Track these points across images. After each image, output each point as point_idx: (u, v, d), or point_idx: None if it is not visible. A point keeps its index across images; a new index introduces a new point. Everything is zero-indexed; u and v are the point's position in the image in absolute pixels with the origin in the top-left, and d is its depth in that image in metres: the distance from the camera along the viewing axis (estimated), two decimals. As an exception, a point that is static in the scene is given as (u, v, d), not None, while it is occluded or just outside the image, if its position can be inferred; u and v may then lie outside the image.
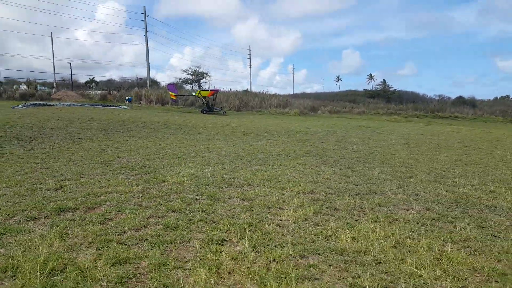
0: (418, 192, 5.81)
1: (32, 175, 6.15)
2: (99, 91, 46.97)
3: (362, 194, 5.52)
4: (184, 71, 72.98)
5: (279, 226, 4.06)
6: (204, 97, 31.32)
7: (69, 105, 30.54)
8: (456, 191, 5.93)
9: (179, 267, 3.02)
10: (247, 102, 42.59)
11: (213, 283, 2.75)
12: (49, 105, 28.94)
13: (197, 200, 5.00)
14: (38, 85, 47.54)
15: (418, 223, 4.28)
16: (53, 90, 49.17)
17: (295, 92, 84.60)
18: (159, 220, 4.18)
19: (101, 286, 2.70)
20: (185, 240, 3.60)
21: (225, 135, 13.84)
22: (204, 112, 29.72)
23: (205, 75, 73.32)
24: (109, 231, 3.76)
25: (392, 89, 78.20)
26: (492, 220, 4.46)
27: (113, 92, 45.62)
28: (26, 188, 5.31)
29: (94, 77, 68.82)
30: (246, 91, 60.97)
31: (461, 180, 6.78)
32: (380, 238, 3.72)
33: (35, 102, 30.07)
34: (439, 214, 4.68)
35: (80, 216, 4.22)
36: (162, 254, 3.26)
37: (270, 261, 3.15)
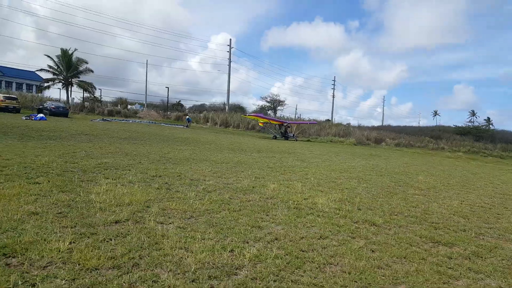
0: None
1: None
2: (175, 113, 52.21)
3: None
4: (262, 98, 76.89)
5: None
6: (279, 125, 33.91)
7: (139, 122, 34.85)
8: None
9: None
10: (307, 129, 42.44)
11: None
12: (122, 121, 33.50)
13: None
14: (129, 104, 55.16)
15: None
16: (143, 109, 56.55)
17: (390, 124, 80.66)
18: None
19: None
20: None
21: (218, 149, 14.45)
22: (274, 137, 32.07)
23: (281, 102, 76.31)
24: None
25: (484, 127, 69.49)
26: None
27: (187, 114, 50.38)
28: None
29: (180, 101, 76.77)
30: (328, 120, 62.15)
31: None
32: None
33: (105, 118, 35.26)
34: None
35: None
36: None
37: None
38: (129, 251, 3.25)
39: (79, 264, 2.91)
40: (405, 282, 3.15)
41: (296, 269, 3.22)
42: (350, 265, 3.40)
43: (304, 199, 6.17)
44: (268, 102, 74.71)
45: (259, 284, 2.87)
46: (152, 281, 2.75)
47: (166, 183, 6.55)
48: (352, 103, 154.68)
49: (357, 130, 45.15)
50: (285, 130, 33.22)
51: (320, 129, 42.74)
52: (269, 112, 69.02)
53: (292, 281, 2.97)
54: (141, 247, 3.38)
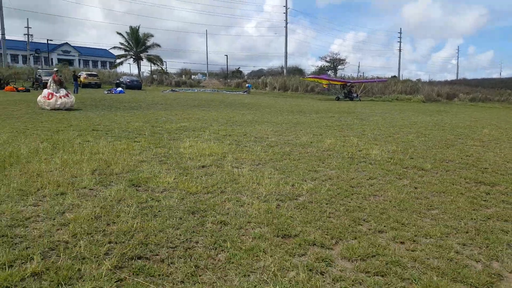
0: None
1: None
2: (235, 80, 53.73)
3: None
4: (321, 58, 74.83)
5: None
6: (342, 86, 33.19)
7: (204, 90, 36.93)
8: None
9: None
10: (371, 89, 40.86)
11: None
12: (188, 90, 35.82)
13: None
14: (192, 74, 58.02)
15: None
16: (205, 78, 59.22)
17: (465, 78, 73.25)
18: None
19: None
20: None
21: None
22: (337, 99, 31.37)
23: (342, 61, 73.72)
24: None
25: None
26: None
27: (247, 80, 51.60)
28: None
29: (239, 67, 78.21)
30: (394, 77, 59.03)
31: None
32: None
33: (173, 89, 37.78)
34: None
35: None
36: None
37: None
38: (217, 183, 4.36)
39: (184, 191, 4.08)
40: (438, 208, 3.80)
41: (345, 197, 4.05)
42: (392, 196, 4.12)
43: (359, 151, 6.82)
44: (327, 62, 72.53)
45: (314, 205, 3.77)
46: (236, 201, 3.81)
47: (235, 140, 7.65)
48: (422, 56, 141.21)
49: (426, 85, 42.12)
50: (349, 91, 32.16)
51: (384, 87, 40.78)
52: (329, 72, 67.17)
53: (340, 204, 3.82)
54: (224, 181, 4.47)
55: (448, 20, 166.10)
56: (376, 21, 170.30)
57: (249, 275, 2.41)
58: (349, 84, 33.64)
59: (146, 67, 75.59)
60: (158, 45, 47.42)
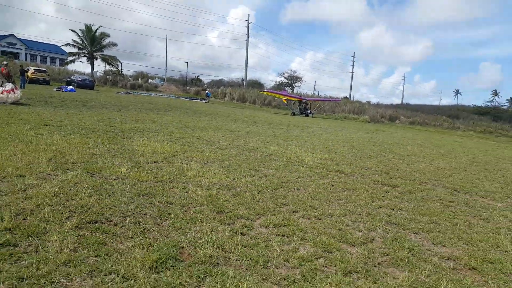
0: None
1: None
2: (194, 87, 53.94)
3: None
4: (280, 74, 77.81)
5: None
6: (298, 102, 34.96)
7: (161, 95, 36.75)
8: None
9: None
10: (324, 107, 43.30)
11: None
12: (144, 94, 35.48)
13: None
14: (149, 78, 57.20)
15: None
16: (163, 83, 58.57)
17: (413, 103, 79.88)
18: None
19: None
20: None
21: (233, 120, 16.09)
22: (293, 114, 33.13)
23: (299, 79, 77.14)
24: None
25: (505, 107, 68.52)
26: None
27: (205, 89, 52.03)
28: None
29: (198, 76, 78.38)
30: (346, 97, 63.17)
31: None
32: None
33: (128, 91, 37.29)
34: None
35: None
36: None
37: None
38: (166, 175, 5.00)
39: (136, 179, 4.66)
40: (344, 199, 4.78)
41: (274, 189, 4.90)
42: (312, 190, 5.05)
43: (296, 156, 7.79)
44: (285, 78, 75.60)
45: (247, 193, 4.56)
46: (182, 188, 4.48)
47: (188, 142, 8.28)
48: (374, 80, 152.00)
49: (372, 107, 45.74)
50: (304, 107, 34.07)
51: (335, 106, 43.58)
52: (286, 88, 69.98)
53: (269, 193, 4.65)
54: (173, 174, 5.12)
55: (398, 48, 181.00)
56: (334, 43, 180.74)
57: (186, 234, 3.12)
58: (304, 101, 35.61)
59: (100, 67, 72.87)
60: (115, 44, 46.50)
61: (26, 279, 2.28)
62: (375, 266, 2.96)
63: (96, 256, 2.63)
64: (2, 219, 2.98)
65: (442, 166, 8.80)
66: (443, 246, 3.56)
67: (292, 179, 5.64)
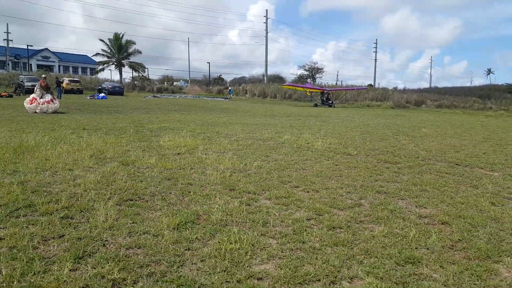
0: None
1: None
2: (216, 87, 55.21)
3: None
4: (300, 67, 77.96)
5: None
6: (320, 93, 35.39)
7: (185, 96, 38.13)
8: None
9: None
10: (346, 96, 43.09)
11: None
12: (169, 96, 36.97)
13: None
14: (174, 81, 59.14)
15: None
16: (187, 85, 60.42)
17: (443, 86, 77.89)
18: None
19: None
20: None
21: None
22: (315, 105, 33.43)
23: (320, 70, 76.82)
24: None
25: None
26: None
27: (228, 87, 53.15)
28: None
29: (220, 75, 79.88)
30: (370, 85, 62.55)
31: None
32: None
33: (155, 95, 38.91)
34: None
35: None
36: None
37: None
38: (188, 163, 5.80)
39: (162, 167, 5.49)
40: (344, 176, 5.36)
41: (281, 170, 5.56)
42: (316, 169, 5.66)
43: (307, 143, 8.39)
44: (306, 70, 75.48)
45: (256, 175, 5.26)
46: (201, 173, 5.26)
47: (208, 136, 9.08)
48: (400, 65, 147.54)
49: (396, 93, 44.92)
50: (326, 98, 34.30)
51: (357, 95, 43.26)
52: (308, 80, 69.89)
53: (276, 174, 5.32)
54: (194, 162, 5.91)
55: (425, 31, 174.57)
56: (357, 31, 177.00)
57: (203, 206, 3.87)
58: (326, 91, 35.76)
59: (128, 74, 75.96)
60: (140, 52, 48.52)
61: (82, 239, 3.10)
62: (357, 223, 3.56)
63: (132, 223, 3.43)
64: (60, 201, 3.86)
65: (452, 144, 9.06)
66: (425, 207, 4.09)
67: (299, 161, 6.27)
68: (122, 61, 47.97)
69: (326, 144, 8.21)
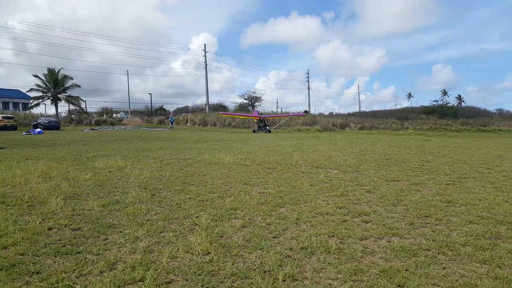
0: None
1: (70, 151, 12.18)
2: (157, 117, 56.47)
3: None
4: (240, 96, 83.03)
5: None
6: (259, 120, 38.60)
7: (124, 128, 39.07)
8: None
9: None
10: (278, 121, 47.18)
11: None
12: (108, 128, 37.70)
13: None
14: (114, 113, 59.22)
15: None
16: (127, 116, 60.69)
17: (372, 110, 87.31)
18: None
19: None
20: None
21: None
22: (253, 131, 36.59)
23: (258, 99, 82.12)
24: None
25: (449, 105, 76.10)
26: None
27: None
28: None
29: (162, 105, 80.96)
30: (305, 111, 68.26)
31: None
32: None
33: (93, 128, 39.38)
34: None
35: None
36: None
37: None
38: (116, 176, 7.86)
39: (95, 179, 7.49)
40: (231, 177, 7.83)
41: (187, 177, 7.87)
42: (213, 175, 8.06)
43: (218, 160, 10.83)
44: (245, 99, 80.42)
45: (167, 180, 7.51)
46: (125, 181, 7.38)
47: (138, 159, 11.11)
48: (336, 93, 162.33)
49: (323, 118, 50.37)
50: (264, 124, 37.82)
51: (290, 120, 47.68)
52: (249, 108, 74.21)
53: (182, 179, 7.62)
54: (121, 175, 7.98)
55: (355, 60, 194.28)
56: (294, 61, 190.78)
57: (121, 196, 6.03)
58: (262, 118, 39.39)
59: (64, 107, 73.86)
60: (78, 86, 48.60)
61: (43, 213, 5.09)
62: (219, 198, 5.98)
63: (74, 206, 5.48)
64: (24, 199, 5.76)
65: (328, 155, 12.14)
66: (266, 189, 6.65)
67: (204, 171, 8.65)
68: (58, 96, 47.53)
69: (233, 160, 10.73)
